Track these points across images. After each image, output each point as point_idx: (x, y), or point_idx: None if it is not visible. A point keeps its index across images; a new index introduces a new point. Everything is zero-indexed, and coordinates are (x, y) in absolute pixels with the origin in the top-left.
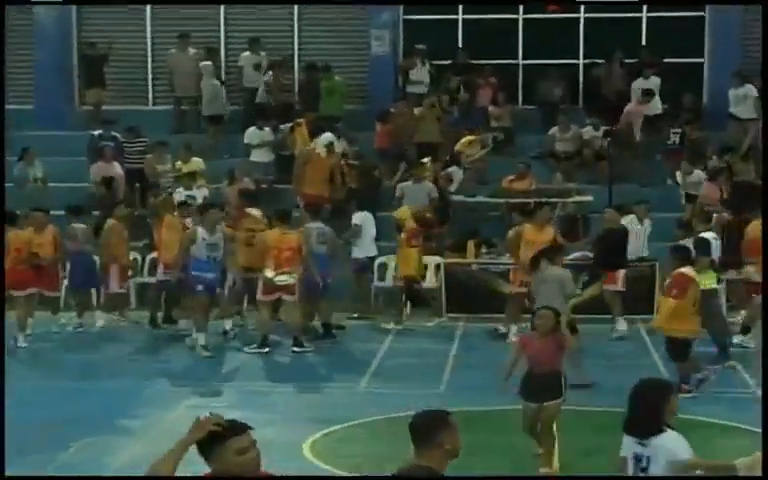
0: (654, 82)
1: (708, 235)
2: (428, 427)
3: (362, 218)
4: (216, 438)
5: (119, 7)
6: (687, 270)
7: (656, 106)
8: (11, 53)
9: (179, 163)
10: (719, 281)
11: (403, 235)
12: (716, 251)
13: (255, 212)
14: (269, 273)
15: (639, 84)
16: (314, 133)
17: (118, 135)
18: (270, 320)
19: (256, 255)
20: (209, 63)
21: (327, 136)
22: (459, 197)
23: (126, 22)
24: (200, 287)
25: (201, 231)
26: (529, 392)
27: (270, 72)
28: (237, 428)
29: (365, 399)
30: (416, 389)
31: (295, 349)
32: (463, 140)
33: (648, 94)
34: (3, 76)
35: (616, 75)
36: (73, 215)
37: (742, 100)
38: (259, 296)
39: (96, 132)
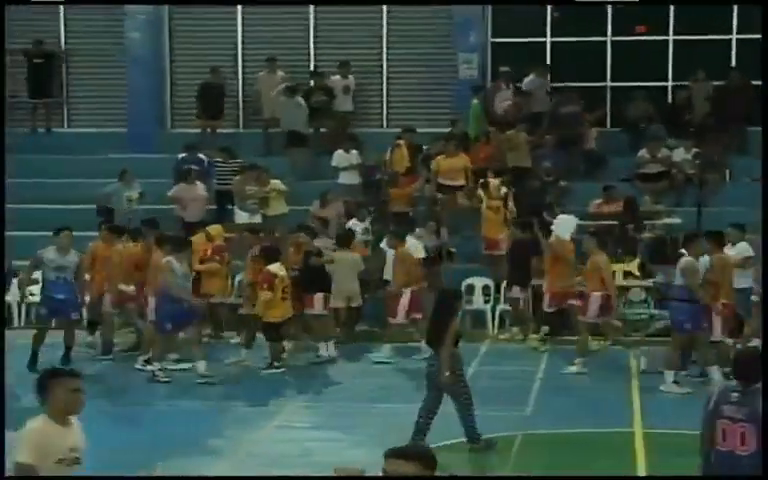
0: None
1: None
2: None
3: None
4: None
5: (211, 29)
6: (273, 267)
7: None
8: (105, 78)
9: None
10: None
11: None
12: None
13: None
14: None
15: None
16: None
17: (204, 157)
18: None
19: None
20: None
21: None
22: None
23: (216, 46)
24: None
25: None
26: None
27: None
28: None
29: (451, 420)
30: (502, 411)
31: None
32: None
33: None
34: (3, 76)
35: (705, 97)
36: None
37: None
38: None
39: (181, 155)
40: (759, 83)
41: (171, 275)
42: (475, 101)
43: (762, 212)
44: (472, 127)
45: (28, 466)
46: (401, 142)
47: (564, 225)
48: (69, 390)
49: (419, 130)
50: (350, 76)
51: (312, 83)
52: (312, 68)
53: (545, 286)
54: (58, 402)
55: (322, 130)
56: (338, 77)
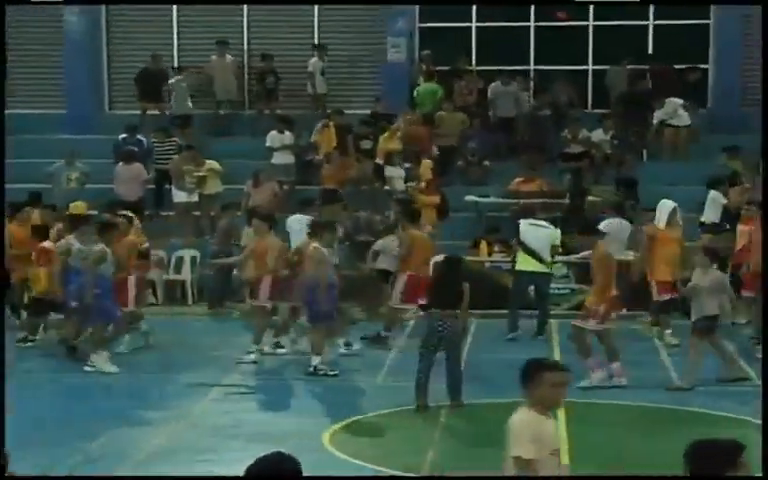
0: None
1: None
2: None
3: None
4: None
5: (148, 14)
6: (47, 244)
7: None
8: (43, 60)
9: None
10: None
11: None
12: None
13: None
14: None
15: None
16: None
17: (144, 139)
18: None
19: None
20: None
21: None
22: (471, 197)
23: (154, 28)
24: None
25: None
26: None
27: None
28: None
29: (381, 393)
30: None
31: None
32: None
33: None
34: (3, 75)
35: (623, 80)
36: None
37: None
38: None
39: (121, 136)
40: (677, 67)
41: (324, 263)
42: (428, 83)
43: (762, 210)
44: (427, 107)
45: (527, 461)
46: (329, 123)
47: (660, 211)
48: (561, 384)
49: (351, 111)
50: (326, 58)
51: (247, 64)
52: (245, 48)
53: (649, 276)
54: (548, 394)
55: (266, 112)
56: (315, 59)
